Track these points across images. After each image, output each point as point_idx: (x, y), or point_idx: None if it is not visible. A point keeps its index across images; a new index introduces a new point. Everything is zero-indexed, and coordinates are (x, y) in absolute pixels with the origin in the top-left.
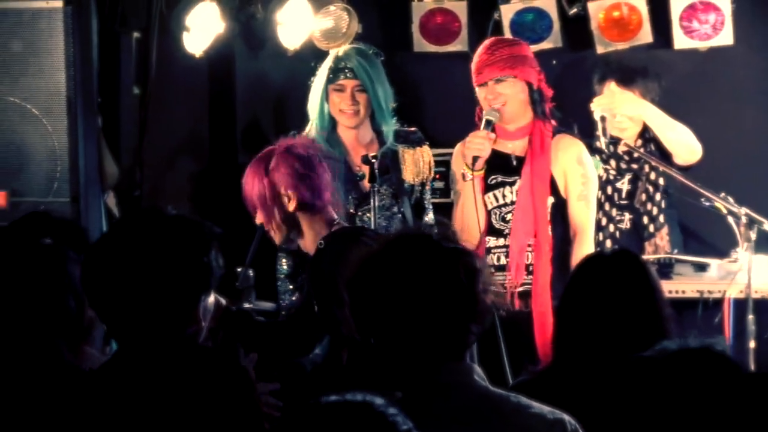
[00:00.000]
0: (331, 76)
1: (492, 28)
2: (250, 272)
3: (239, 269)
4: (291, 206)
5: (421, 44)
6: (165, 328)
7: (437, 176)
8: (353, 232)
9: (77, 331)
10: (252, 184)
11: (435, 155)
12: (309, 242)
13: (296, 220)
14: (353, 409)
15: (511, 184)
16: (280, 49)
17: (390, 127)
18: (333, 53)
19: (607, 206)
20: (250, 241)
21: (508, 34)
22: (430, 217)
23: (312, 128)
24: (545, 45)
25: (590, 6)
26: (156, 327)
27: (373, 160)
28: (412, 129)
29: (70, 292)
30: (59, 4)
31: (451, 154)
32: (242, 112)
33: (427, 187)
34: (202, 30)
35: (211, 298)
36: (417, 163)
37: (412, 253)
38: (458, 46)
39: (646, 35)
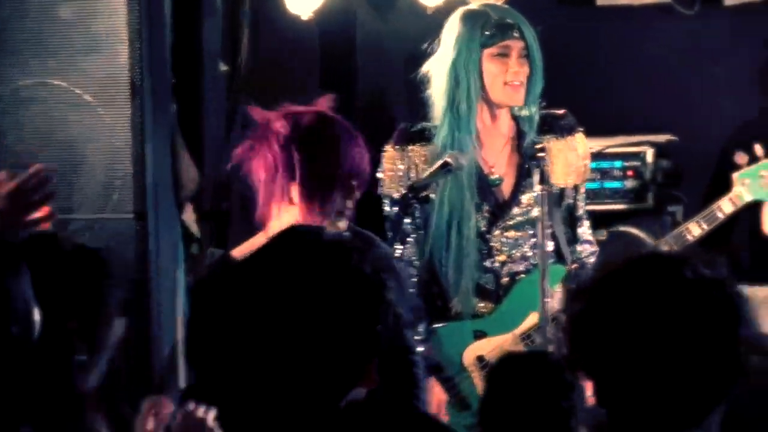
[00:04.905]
0: (489, 36)
1: None
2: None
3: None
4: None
5: None
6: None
7: (597, 176)
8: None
9: None
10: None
11: (621, 145)
12: None
13: None
14: None
15: None
16: (415, 6)
17: (536, 110)
18: (469, 8)
19: None
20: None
21: None
22: (584, 228)
23: (442, 116)
24: None
25: None
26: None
27: (541, 154)
28: (561, 112)
29: None
30: None
31: (647, 143)
32: (364, 91)
33: (582, 191)
34: None
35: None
36: (568, 159)
37: (668, 289)
38: None
39: None
